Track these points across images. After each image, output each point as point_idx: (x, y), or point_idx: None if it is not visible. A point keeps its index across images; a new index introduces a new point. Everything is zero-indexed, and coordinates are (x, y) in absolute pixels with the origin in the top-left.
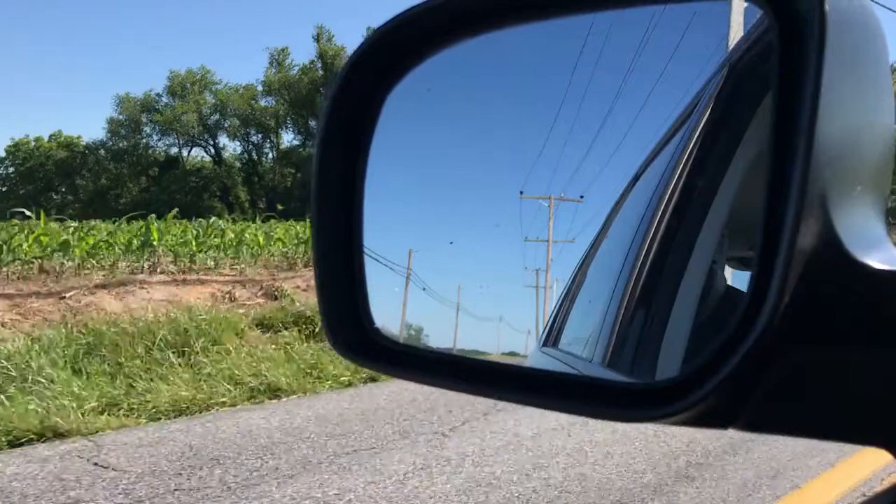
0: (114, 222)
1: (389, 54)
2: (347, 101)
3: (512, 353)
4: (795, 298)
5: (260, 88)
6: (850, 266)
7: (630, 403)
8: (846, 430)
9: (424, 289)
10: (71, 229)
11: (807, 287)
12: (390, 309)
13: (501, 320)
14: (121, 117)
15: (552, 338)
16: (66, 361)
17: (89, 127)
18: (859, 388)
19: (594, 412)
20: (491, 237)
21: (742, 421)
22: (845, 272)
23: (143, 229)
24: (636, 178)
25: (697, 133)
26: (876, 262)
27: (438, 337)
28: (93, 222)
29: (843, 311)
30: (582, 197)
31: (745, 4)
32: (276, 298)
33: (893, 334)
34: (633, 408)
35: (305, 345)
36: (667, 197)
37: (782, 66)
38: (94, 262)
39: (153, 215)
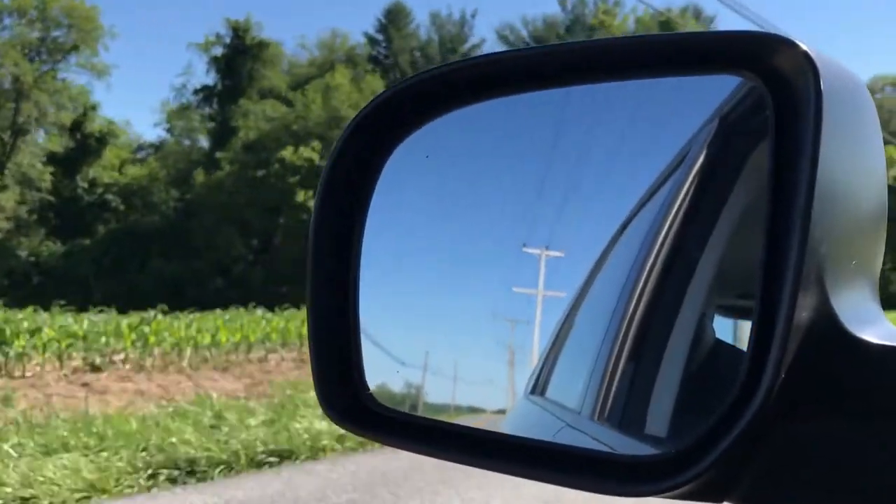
0: None
1: (388, 120)
2: (345, 165)
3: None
4: (792, 374)
5: None
6: (846, 341)
7: (623, 477)
8: None
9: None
10: None
11: (803, 362)
12: (386, 372)
13: (492, 382)
14: None
15: (540, 386)
16: None
17: None
18: (855, 464)
19: (586, 485)
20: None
21: (737, 495)
22: (841, 347)
23: None
24: (624, 227)
25: (686, 184)
26: (871, 336)
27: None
28: None
29: (840, 387)
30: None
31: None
32: None
33: (889, 409)
34: (627, 482)
35: None
36: (655, 248)
37: (777, 143)
38: None
39: None
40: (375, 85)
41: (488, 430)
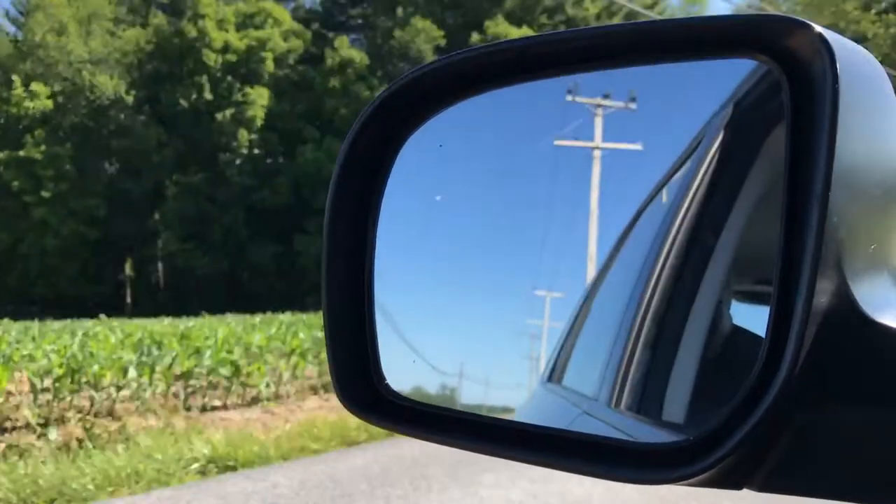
0: None
1: (402, 109)
2: (360, 152)
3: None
4: (811, 359)
5: None
6: (865, 326)
7: (642, 465)
8: (863, 491)
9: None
10: None
11: (822, 348)
12: (404, 366)
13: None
14: None
15: (556, 373)
16: None
17: None
18: (877, 449)
19: (603, 473)
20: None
21: (757, 482)
22: (861, 332)
23: None
24: (641, 213)
25: (702, 170)
26: (892, 321)
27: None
28: None
29: (860, 372)
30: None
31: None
32: None
33: None
34: (645, 469)
35: None
36: (672, 235)
37: (793, 128)
38: None
39: None
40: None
41: (504, 419)
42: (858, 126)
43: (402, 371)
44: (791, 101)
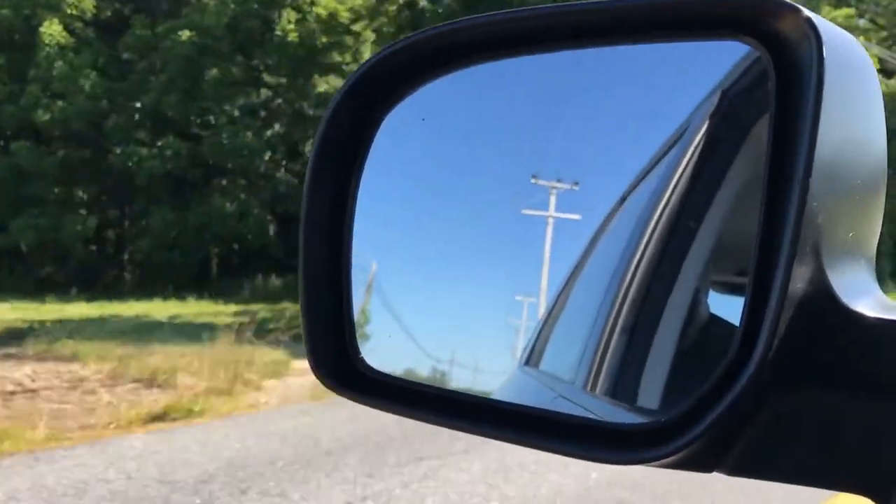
0: None
1: (385, 81)
2: (341, 123)
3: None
4: (786, 344)
5: None
6: (841, 313)
7: (613, 445)
8: (832, 478)
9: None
10: None
11: (797, 333)
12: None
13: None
14: None
15: (534, 357)
16: None
17: None
18: (846, 436)
19: (574, 452)
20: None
21: (727, 465)
22: (836, 319)
23: None
24: (623, 199)
25: (686, 157)
26: (866, 309)
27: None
28: None
29: (833, 359)
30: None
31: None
32: None
33: (881, 382)
34: (615, 450)
35: None
36: (653, 221)
37: (778, 111)
38: None
39: None
40: None
41: (481, 397)
42: (842, 112)
43: (388, 356)
44: (776, 84)
